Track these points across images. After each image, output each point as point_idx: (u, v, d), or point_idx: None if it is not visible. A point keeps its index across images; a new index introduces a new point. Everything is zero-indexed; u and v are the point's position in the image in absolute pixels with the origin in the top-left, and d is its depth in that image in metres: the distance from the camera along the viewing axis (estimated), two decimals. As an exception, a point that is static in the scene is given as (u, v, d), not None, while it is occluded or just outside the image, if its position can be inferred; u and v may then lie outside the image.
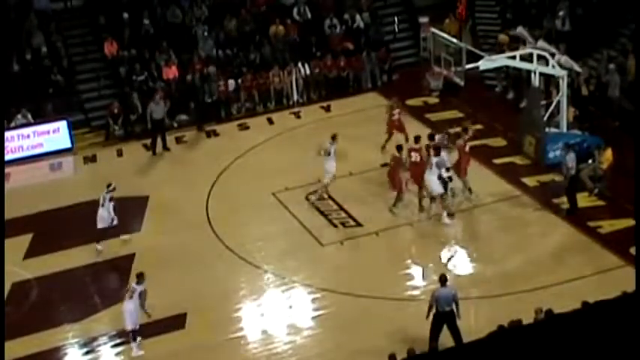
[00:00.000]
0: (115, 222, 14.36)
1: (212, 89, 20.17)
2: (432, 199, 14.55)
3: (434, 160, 14.34)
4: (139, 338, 11.93)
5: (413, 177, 14.88)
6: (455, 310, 11.07)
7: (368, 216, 15.03)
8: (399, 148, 15.06)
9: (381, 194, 15.70)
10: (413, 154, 14.86)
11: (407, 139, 16.36)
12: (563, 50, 18.40)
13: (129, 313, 11.77)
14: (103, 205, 14.30)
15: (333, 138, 15.46)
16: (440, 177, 14.29)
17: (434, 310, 11.08)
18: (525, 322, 8.92)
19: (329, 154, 15.26)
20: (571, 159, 14.49)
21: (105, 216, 14.29)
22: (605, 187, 15.14)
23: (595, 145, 15.88)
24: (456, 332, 11.01)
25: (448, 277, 13.13)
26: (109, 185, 14.54)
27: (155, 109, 18.54)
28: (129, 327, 11.85)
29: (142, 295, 11.80)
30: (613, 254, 13.32)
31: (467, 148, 15.04)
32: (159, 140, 18.49)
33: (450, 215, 14.74)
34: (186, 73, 20.48)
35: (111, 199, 14.36)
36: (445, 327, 11.05)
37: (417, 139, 15.15)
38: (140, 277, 11.90)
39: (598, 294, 8.71)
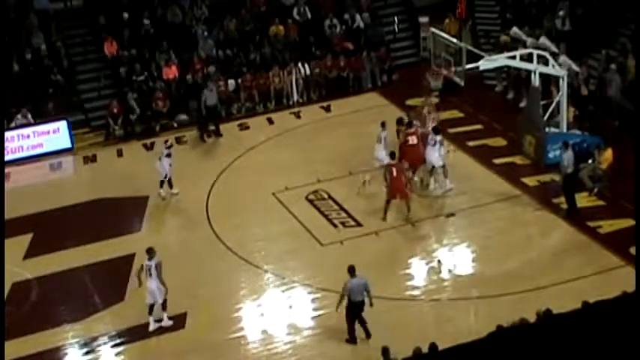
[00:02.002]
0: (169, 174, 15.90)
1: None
2: (431, 172, 15.41)
3: (437, 138, 15.43)
4: (166, 311, 12.30)
5: (414, 159, 15.23)
6: (367, 299, 11.41)
7: (368, 216, 15.03)
8: (392, 155, 14.89)
9: (381, 194, 15.70)
10: (410, 138, 15.25)
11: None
12: (563, 50, 18.42)
13: (152, 291, 12.08)
14: (160, 159, 16.06)
15: (383, 125, 15.87)
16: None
17: (346, 301, 11.42)
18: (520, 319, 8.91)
19: (380, 142, 15.68)
20: (568, 157, 14.49)
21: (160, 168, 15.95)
22: (605, 187, 15.14)
23: (595, 145, 15.89)
24: (363, 322, 11.55)
25: (448, 277, 13.17)
26: (166, 141, 16.69)
27: (209, 96, 18.88)
28: (159, 300, 12.18)
29: (158, 269, 12.10)
30: (613, 254, 13.32)
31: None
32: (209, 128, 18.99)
33: (451, 215, 14.78)
34: (186, 73, 20.50)
35: (168, 155, 15.91)
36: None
37: (410, 123, 15.62)
38: (151, 252, 12.17)
39: (598, 294, 8.72)
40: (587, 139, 16.35)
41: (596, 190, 15.09)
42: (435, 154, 15.32)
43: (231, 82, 20.38)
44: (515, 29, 18.84)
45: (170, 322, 12.40)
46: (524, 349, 6.93)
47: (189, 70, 20.46)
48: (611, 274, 12.70)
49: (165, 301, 12.31)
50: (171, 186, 16.17)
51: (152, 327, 12.30)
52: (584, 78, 18.08)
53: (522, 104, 18.42)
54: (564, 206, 14.78)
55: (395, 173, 14.28)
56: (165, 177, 16.02)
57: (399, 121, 16.44)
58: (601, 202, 14.93)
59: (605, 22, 19.82)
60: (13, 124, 19.05)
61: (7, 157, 18.40)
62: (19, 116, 19.08)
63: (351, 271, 11.52)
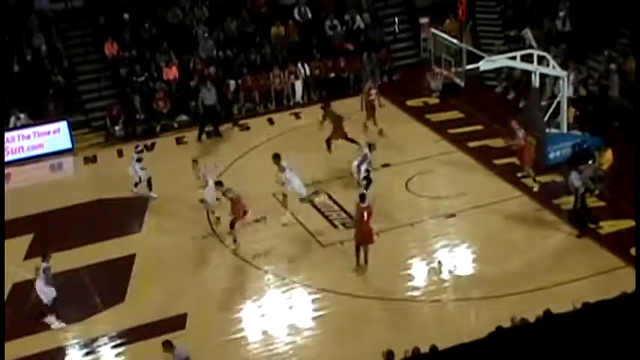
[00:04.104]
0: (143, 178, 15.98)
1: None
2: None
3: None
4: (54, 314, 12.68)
5: (364, 236, 13.29)
6: None
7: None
8: (363, 197, 13.38)
9: (382, 194, 15.71)
10: (364, 213, 13.18)
11: (375, 123, 17.54)
12: (560, 52, 18.40)
13: (40, 291, 12.53)
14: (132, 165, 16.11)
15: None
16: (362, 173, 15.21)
17: None
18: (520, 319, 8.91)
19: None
20: (576, 178, 13.95)
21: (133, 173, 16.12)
22: (605, 188, 15.13)
23: (595, 146, 15.88)
24: None
25: (449, 277, 13.14)
26: (137, 147, 16.70)
27: (207, 96, 18.89)
28: (45, 302, 12.58)
29: (47, 272, 12.53)
30: (613, 255, 13.32)
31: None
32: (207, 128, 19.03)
33: (452, 215, 14.79)
34: (186, 73, 20.50)
35: (139, 160, 16.07)
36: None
37: (362, 196, 13.45)
38: (46, 256, 12.67)
39: (598, 294, 8.70)
40: (587, 140, 16.35)
41: (597, 191, 15.07)
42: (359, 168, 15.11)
43: (231, 82, 20.38)
44: (526, 30, 18.85)
45: (61, 325, 12.65)
46: (524, 349, 6.92)
47: (193, 72, 20.45)
48: (611, 275, 12.70)
49: (54, 304, 12.60)
50: (150, 188, 16.20)
51: (56, 326, 12.69)
52: (582, 79, 18.06)
53: (520, 104, 18.46)
54: (565, 207, 14.74)
55: (365, 217, 13.12)
56: (140, 180, 16.10)
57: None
58: (601, 203, 14.92)
59: (606, 23, 19.82)
60: (10, 126, 19.04)
61: (7, 158, 18.40)
62: (12, 118, 19.03)
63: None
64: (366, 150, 15.41)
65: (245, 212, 14.10)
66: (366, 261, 13.38)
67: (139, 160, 16.23)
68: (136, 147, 16.89)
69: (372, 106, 18.18)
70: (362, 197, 13.31)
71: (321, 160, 17.27)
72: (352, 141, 16.86)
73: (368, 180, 15.10)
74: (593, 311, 7.58)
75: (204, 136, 19.11)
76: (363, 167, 15.22)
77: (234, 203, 14.03)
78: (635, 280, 10.42)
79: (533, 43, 18.07)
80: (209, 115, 19.14)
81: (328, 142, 17.03)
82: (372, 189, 15.22)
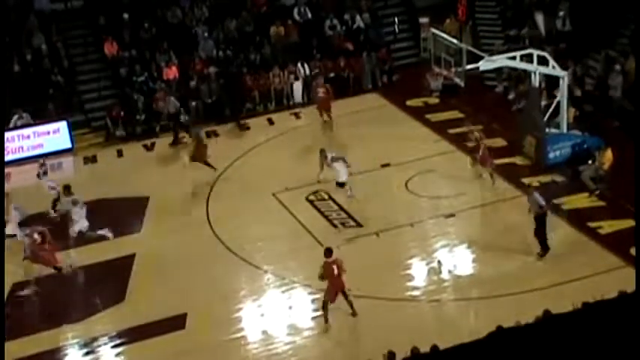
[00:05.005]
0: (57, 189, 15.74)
1: (212, 90, 20.19)
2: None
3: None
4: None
5: (336, 288, 12.13)
6: None
7: (368, 216, 15.02)
8: (329, 251, 12.26)
9: (382, 194, 15.71)
10: (333, 267, 12.10)
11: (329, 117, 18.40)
12: (550, 51, 18.30)
13: (80, 217, 14.15)
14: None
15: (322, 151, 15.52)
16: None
17: None
18: (524, 323, 8.90)
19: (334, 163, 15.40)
20: (539, 199, 13.26)
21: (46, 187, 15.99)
22: (606, 188, 15.13)
23: (595, 146, 15.88)
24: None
25: (448, 277, 13.13)
26: (41, 161, 16.54)
27: (170, 103, 18.87)
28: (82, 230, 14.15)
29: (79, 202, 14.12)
30: (613, 255, 13.31)
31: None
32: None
33: (451, 215, 14.80)
34: (186, 73, 20.51)
35: (45, 173, 16.18)
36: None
37: (329, 251, 12.33)
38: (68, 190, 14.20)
39: (598, 294, 8.71)
40: (587, 140, 16.35)
41: (597, 192, 15.07)
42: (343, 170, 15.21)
43: (221, 82, 20.33)
44: (538, 15, 18.97)
45: (110, 234, 14.23)
46: (523, 349, 6.93)
47: (190, 71, 20.45)
48: (611, 275, 12.69)
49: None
50: (53, 208, 15.62)
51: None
52: (578, 77, 18.04)
53: (516, 105, 18.51)
54: (566, 207, 14.74)
55: (336, 271, 12.01)
56: (58, 194, 15.50)
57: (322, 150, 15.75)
58: (601, 203, 14.92)
59: (606, 23, 19.82)
60: (11, 125, 19.06)
61: (7, 158, 18.40)
62: (15, 117, 19.07)
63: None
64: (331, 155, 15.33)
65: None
66: (354, 313, 12.15)
67: (45, 173, 16.04)
68: (41, 162, 16.50)
69: (323, 101, 18.58)
70: (327, 252, 12.11)
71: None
72: (209, 165, 16.87)
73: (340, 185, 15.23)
74: (593, 311, 7.59)
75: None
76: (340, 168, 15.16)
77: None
78: (635, 281, 10.42)
79: (542, 28, 18.00)
80: (175, 122, 18.83)
81: (203, 163, 16.77)
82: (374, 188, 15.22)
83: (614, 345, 6.75)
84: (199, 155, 16.81)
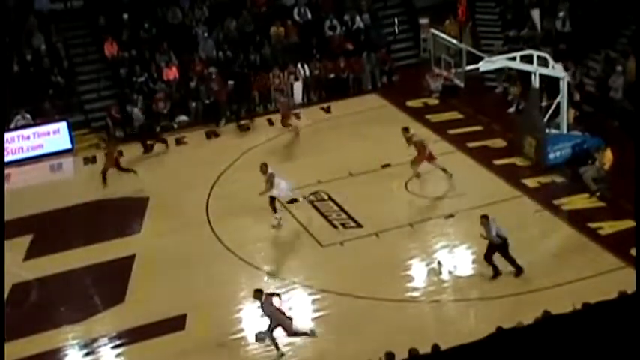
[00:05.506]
0: None
1: (211, 90, 20.18)
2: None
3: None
4: None
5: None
6: None
7: (368, 217, 15.03)
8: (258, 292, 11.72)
9: (382, 195, 15.71)
10: (274, 298, 11.74)
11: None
12: (549, 52, 18.30)
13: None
14: None
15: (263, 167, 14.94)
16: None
17: None
18: (526, 324, 8.89)
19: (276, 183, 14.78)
20: (494, 229, 12.77)
21: None
22: (606, 189, 15.13)
23: (595, 147, 15.88)
24: None
25: (448, 278, 13.12)
26: None
27: (135, 113, 18.98)
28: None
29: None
30: (613, 255, 13.31)
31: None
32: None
33: (451, 216, 14.80)
34: (186, 74, 20.51)
35: None
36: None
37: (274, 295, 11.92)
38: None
39: (598, 295, 8.70)
40: (587, 141, 16.35)
41: (598, 193, 15.06)
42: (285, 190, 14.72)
43: (230, 82, 20.38)
44: (535, 12, 18.92)
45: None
46: (523, 350, 6.92)
47: (190, 72, 20.46)
48: (611, 276, 12.69)
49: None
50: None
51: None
52: (576, 84, 18.02)
53: (512, 107, 18.54)
54: (566, 207, 14.72)
55: (279, 304, 11.75)
56: None
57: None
58: (601, 204, 14.92)
59: (606, 23, 19.83)
60: (12, 126, 19.06)
61: (7, 159, 18.41)
62: (18, 117, 19.09)
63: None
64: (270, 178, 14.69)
65: None
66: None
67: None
68: None
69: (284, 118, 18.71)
70: (257, 292, 11.54)
71: (321, 160, 17.27)
72: (126, 170, 16.88)
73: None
74: (593, 312, 7.59)
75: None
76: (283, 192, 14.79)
77: None
78: (635, 281, 10.42)
79: (538, 26, 17.99)
80: (142, 133, 18.79)
81: (104, 173, 16.77)
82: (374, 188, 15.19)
83: (614, 346, 6.75)
84: (110, 163, 16.83)
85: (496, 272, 12.96)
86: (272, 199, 14.79)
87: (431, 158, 15.87)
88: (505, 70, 19.15)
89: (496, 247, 12.86)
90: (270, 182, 14.64)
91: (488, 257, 12.95)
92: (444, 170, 15.88)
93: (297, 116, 20.08)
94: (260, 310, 11.61)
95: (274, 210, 14.81)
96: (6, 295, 13.48)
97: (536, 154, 16.51)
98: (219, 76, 20.20)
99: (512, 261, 12.93)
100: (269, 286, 13.42)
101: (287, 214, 15.34)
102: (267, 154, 18.15)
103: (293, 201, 15.17)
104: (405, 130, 16.15)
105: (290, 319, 11.62)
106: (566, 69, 17.30)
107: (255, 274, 13.72)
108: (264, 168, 14.87)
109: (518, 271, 12.92)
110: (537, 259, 13.54)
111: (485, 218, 12.90)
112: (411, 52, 22.79)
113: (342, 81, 21.10)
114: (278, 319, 11.54)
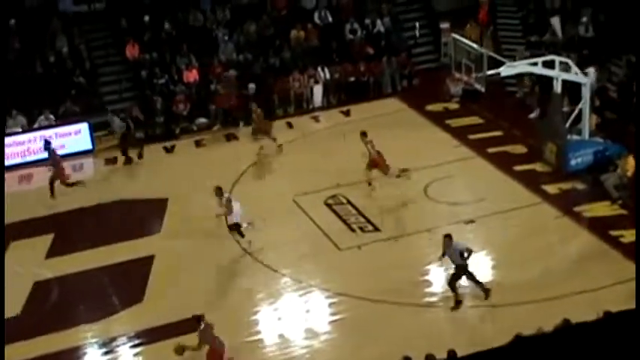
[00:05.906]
0: None
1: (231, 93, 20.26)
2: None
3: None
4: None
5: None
6: None
7: (386, 221, 14.98)
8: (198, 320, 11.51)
9: (401, 199, 15.66)
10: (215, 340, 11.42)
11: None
12: (573, 58, 18.19)
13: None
14: None
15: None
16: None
17: None
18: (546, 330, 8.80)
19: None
20: (459, 248, 12.43)
21: None
22: (628, 196, 14.96)
23: (617, 154, 15.71)
24: None
25: (467, 284, 13.01)
26: None
27: (115, 122, 19.12)
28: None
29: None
30: (635, 264, 13.14)
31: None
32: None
33: (471, 222, 14.72)
34: (206, 76, 20.61)
35: None
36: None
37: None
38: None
39: (619, 304, 8.61)
40: (609, 147, 16.19)
41: (620, 201, 14.89)
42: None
43: (251, 85, 20.45)
44: (555, 20, 18.78)
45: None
46: (543, 358, 6.86)
47: (210, 74, 20.55)
48: (632, 284, 12.52)
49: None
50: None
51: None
52: (595, 90, 17.81)
53: (535, 113, 18.36)
54: (587, 214, 14.55)
55: (212, 330, 11.39)
56: None
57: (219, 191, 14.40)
58: (623, 211, 14.75)
59: (628, 29, 19.62)
60: (36, 125, 19.29)
61: (29, 159, 18.65)
62: (41, 117, 19.33)
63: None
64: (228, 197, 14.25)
65: None
66: None
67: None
68: None
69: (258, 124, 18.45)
70: (197, 321, 11.33)
71: (340, 164, 17.26)
72: (72, 184, 16.60)
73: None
74: (615, 321, 7.50)
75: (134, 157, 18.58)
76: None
77: None
78: (636, 280, 10.27)
79: (559, 33, 17.85)
80: (123, 142, 18.68)
81: (52, 184, 16.52)
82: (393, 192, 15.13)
83: (635, 355, 6.66)
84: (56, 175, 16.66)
85: (458, 302, 12.42)
86: (237, 226, 14.20)
87: (381, 165, 15.53)
88: (525, 75, 19.05)
89: (462, 271, 12.33)
90: (228, 207, 14.06)
91: (452, 283, 12.40)
92: (398, 175, 15.71)
93: (317, 119, 20.11)
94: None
95: (241, 235, 14.27)
96: (27, 293, 13.62)
97: (557, 160, 16.37)
98: (235, 79, 20.27)
99: (477, 282, 12.45)
100: (286, 288, 13.45)
101: (305, 217, 15.35)
102: (287, 158, 18.19)
103: (247, 225, 14.46)
104: (363, 134, 15.94)
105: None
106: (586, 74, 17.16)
107: (272, 277, 13.74)
108: (219, 191, 14.17)
109: (487, 293, 12.47)
110: (557, 266, 13.43)
111: (448, 238, 12.38)
112: (431, 56, 22.73)
113: (362, 84, 21.09)
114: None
